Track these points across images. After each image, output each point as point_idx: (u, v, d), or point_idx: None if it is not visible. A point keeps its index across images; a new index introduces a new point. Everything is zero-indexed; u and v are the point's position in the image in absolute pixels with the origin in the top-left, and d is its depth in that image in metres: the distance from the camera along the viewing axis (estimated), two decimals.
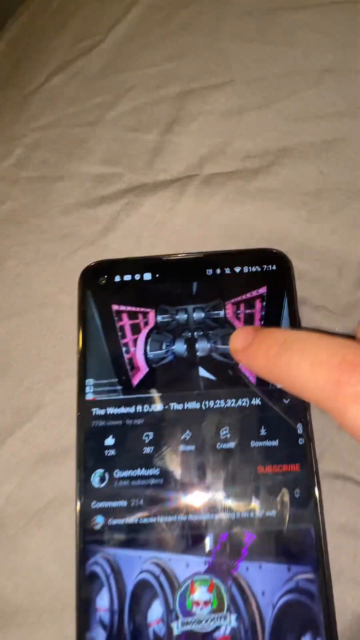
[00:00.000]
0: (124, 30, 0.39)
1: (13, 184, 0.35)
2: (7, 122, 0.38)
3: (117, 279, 0.30)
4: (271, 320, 0.28)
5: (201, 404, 0.28)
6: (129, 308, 0.29)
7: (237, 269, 0.30)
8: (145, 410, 0.28)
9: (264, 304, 0.29)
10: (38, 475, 0.29)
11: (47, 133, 0.37)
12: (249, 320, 0.29)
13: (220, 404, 0.27)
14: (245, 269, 0.30)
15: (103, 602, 0.25)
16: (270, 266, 0.29)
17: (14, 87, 0.39)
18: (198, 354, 0.28)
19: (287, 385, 0.21)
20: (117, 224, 0.33)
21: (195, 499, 0.26)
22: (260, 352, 0.22)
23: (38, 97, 0.38)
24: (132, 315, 0.29)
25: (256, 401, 0.27)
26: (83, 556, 0.26)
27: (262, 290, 0.29)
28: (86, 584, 0.26)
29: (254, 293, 0.29)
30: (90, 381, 0.28)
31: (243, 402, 0.27)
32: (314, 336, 0.20)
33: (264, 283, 0.29)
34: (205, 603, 0.25)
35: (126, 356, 0.29)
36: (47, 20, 0.42)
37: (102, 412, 0.28)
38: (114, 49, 0.39)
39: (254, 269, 0.29)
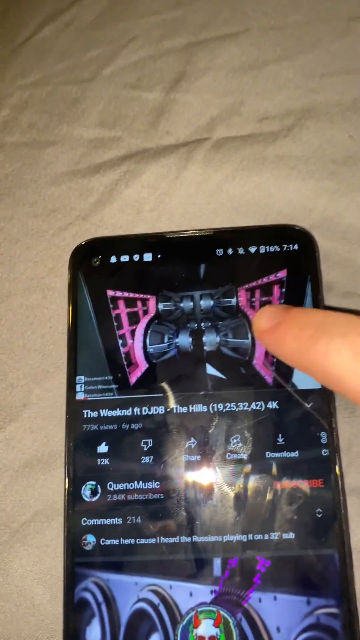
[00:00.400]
0: None
1: (8, 153, 0.31)
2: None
3: (113, 259, 0.26)
4: None
5: (208, 407, 0.24)
6: (126, 294, 0.26)
7: (252, 249, 0.25)
8: (144, 413, 0.24)
9: (284, 290, 0.25)
10: (22, 484, 0.25)
11: (37, 91, 0.32)
12: None
13: (230, 407, 0.24)
14: (262, 249, 0.25)
15: (94, 634, 0.22)
16: (291, 246, 0.25)
17: None
18: (205, 348, 0.25)
19: (321, 375, 0.18)
20: (114, 196, 0.28)
21: (201, 517, 0.23)
22: (291, 334, 0.18)
23: (26, 51, 0.34)
24: (130, 303, 0.25)
25: (273, 405, 0.23)
26: (72, 580, 0.23)
27: (282, 274, 0.25)
28: (75, 612, 0.22)
29: (272, 277, 0.25)
30: (81, 378, 0.25)
31: (257, 405, 0.24)
32: (358, 320, 0.17)
33: (284, 265, 0.25)
34: (211, 639, 0.22)
35: (122, 350, 0.25)
36: None
37: (94, 414, 0.24)
38: None
39: (272, 249, 0.25)
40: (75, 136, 0.30)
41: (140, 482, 0.23)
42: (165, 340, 0.25)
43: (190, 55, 0.31)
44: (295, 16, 0.31)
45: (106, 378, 0.25)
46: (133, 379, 0.25)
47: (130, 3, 0.33)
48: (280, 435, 0.23)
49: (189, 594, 0.22)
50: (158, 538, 0.23)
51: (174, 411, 0.24)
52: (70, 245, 0.27)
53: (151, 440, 0.24)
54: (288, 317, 0.19)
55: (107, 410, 0.24)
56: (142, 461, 0.24)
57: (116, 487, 0.23)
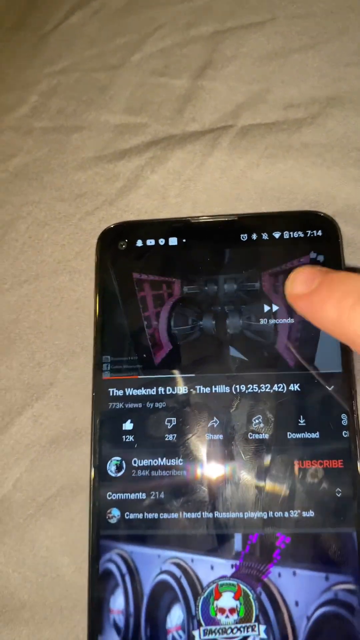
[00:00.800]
0: None
1: (26, 135, 0.31)
2: (21, 66, 0.34)
3: (139, 243, 0.27)
4: None
5: (231, 388, 0.24)
6: (151, 277, 0.26)
7: (276, 235, 0.26)
8: (168, 392, 0.25)
9: None
10: (49, 460, 0.26)
11: (65, 78, 0.33)
12: None
13: (252, 388, 0.24)
14: (286, 235, 0.26)
15: (118, 603, 0.23)
16: (314, 232, 0.26)
17: (28, 26, 0.35)
18: (229, 331, 0.25)
19: None
20: (140, 181, 0.29)
21: (223, 494, 0.23)
22: (331, 301, 0.17)
23: (55, 38, 0.34)
24: (155, 285, 0.26)
25: (295, 387, 0.24)
26: (97, 552, 0.24)
27: (305, 259, 0.25)
28: (99, 582, 0.23)
29: (295, 262, 0.25)
30: (107, 358, 0.25)
31: (279, 387, 0.24)
32: None
33: (307, 251, 0.25)
34: (231, 611, 0.22)
35: (148, 331, 0.25)
36: None
37: (120, 392, 0.25)
38: None
39: (295, 234, 0.26)
40: (102, 122, 0.31)
41: (164, 458, 0.24)
42: (190, 322, 0.25)
43: (216, 43, 0.31)
44: (321, 5, 0.31)
45: (132, 358, 0.25)
46: (158, 360, 0.25)
47: None
48: (301, 417, 0.24)
49: (210, 568, 0.23)
50: (181, 513, 0.23)
51: (198, 391, 0.25)
52: (97, 229, 0.28)
53: (175, 418, 0.24)
54: (327, 282, 0.18)
55: (132, 389, 0.25)
56: (166, 439, 0.24)
57: (140, 463, 0.24)
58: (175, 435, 0.24)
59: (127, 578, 0.23)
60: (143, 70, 0.32)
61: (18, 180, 0.30)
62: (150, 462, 0.24)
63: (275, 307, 0.25)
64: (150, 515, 0.24)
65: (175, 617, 0.23)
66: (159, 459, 0.24)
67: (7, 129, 0.32)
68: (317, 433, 0.23)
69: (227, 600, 0.22)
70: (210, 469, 0.24)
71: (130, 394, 0.25)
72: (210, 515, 0.23)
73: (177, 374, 0.25)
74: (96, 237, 0.27)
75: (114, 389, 0.25)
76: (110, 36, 0.33)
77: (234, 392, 0.24)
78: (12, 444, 0.26)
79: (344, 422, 0.23)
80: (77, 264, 0.28)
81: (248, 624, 0.22)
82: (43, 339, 0.27)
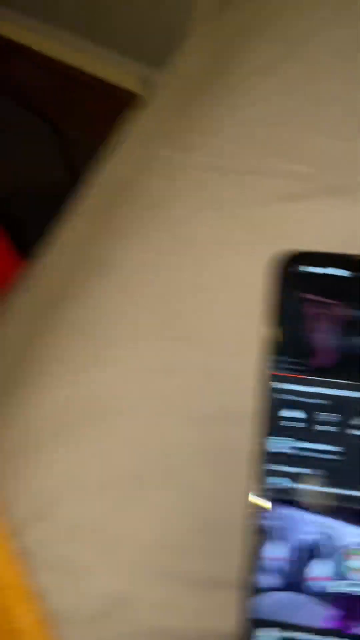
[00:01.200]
0: None
1: (213, 171, 0.38)
2: (207, 113, 0.41)
3: (309, 269, 0.33)
4: None
5: None
6: (317, 298, 0.32)
7: None
8: (322, 391, 0.31)
9: None
10: (219, 432, 0.32)
11: (245, 129, 0.40)
12: None
13: None
14: None
15: (269, 552, 0.29)
16: None
17: (212, 78, 0.43)
18: None
19: None
20: (310, 223, 0.35)
21: None
22: None
23: (236, 95, 0.41)
24: (319, 305, 0.32)
25: None
26: (254, 510, 0.30)
27: None
28: (256, 534, 0.29)
29: None
30: (273, 357, 0.31)
31: None
32: None
33: None
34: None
35: (310, 342, 0.31)
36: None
37: (282, 386, 0.31)
38: None
39: None
40: (280, 169, 0.37)
41: (315, 443, 0.30)
42: (347, 340, 0.31)
43: None
44: None
45: (294, 360, 0.31)
46: (316, 365, 0.31)
47: None
48: None
49: (346, 534, 0.29)
50: (326, 487, 0.29)
51: (348, 394, 0.30)
52: (270, 255, 0.34)
53: (326, 413, 0.30)
54: None
55: (292, 384, 0.31)
56: (317, 427, 0.30)
57: (295, 444, 0.30)
58: (327, 426, 0.30)
59: (279, 533, 0.29)
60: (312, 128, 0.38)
61: (206, 210, 0.37)
62: (302, 444, 0.30)
63: None
64: (300, 486, 0.30)
65: (314, 569, 0.29)
66: (311, 442, 0.30)
67: (197, 166, 0.39)
68: None
69: (357, 561, 0.28)
70: (353, 456, 0.30)
71: (291, 388, 0.31)
72: (351, 492, 0.29)
73: (331, 379, 0.31)
74: (270, 261, 0.33)
75: (279, 383, 0.31)
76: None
77: None
78: (192, 414, 0.33)
79: None
80: (252, 281, 0.35)
81: None
82: (219, 337, 0.34)
